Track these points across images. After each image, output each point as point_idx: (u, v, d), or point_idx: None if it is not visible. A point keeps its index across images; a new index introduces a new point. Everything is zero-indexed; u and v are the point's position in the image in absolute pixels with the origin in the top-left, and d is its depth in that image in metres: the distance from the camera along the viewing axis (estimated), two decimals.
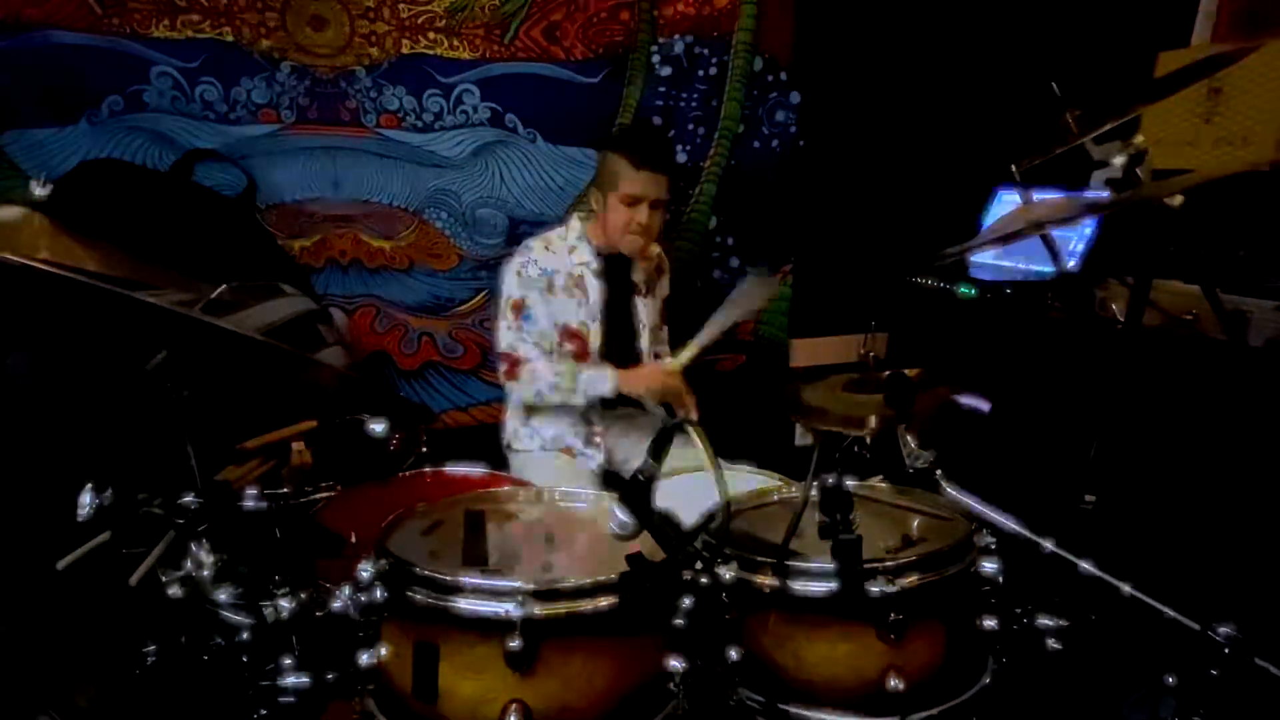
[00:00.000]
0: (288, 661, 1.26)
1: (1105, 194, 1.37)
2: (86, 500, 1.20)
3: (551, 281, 2.20)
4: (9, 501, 1.72)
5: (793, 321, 3.15)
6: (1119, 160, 1.39)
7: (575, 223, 2.28)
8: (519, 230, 2.73)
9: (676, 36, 2.77)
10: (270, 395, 1.62)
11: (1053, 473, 1.86)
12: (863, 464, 1.54)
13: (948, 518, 1.38)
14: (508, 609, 1.08)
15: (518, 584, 1.10)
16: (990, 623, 1.28)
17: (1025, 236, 1.43)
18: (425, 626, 1.14)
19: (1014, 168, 1.63)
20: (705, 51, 2.82)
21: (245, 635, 1.26)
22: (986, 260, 2.76)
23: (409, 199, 2.64)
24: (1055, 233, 1.62)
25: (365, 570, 1.18)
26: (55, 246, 1.53)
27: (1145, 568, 1.17)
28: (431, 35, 2.54)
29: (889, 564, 1.19)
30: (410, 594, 1.14)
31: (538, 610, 1.08)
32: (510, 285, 2.20)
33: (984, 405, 1.62)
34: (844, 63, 2.96)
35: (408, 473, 1.83)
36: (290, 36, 2.43)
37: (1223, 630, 1.04)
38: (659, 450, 1.12)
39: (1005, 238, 1.43)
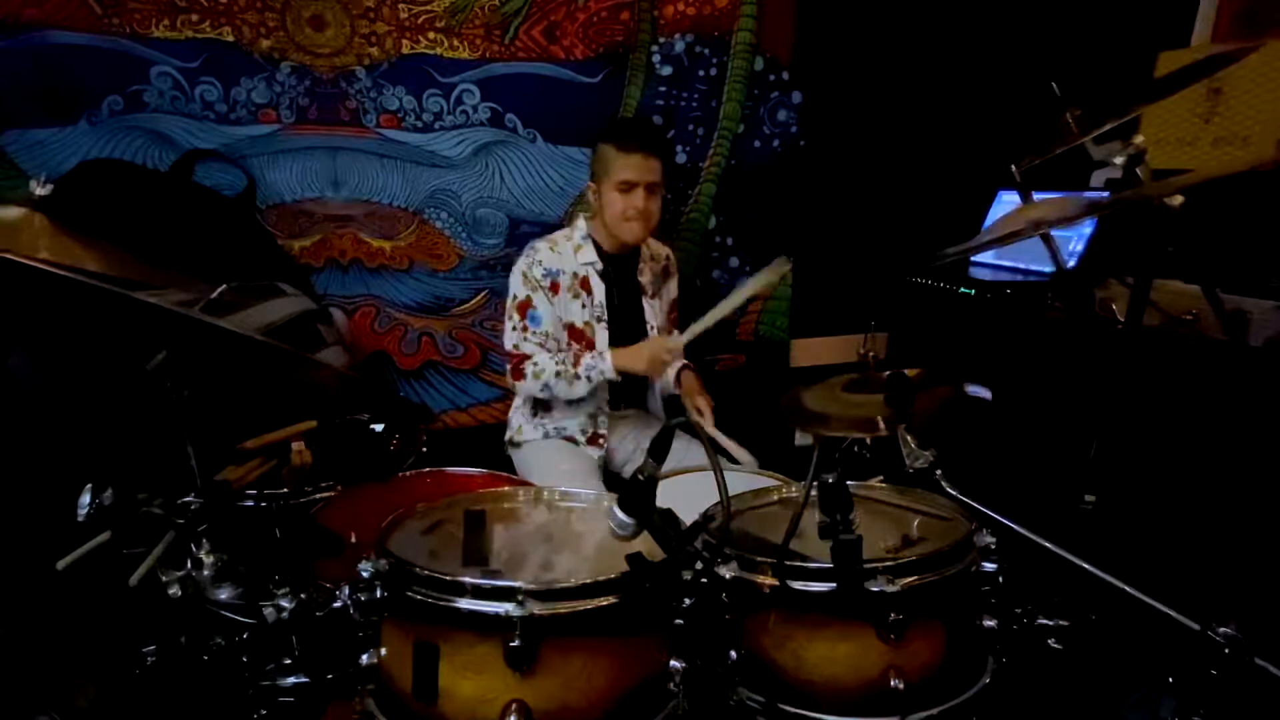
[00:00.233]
0: (288, 661, 1.26)
1: (1105, 194, 1.36)
2: (86, 500, 1.20)
3: (556, 282, 2.21)
4: (9, 501, 1.72)
5: (793, 321, 3.15)
6: (1119, 160, 1.39)
7: (581, 223, 2.29)
8: (519, 230, 2.73)
9: (677, 36, 2.77)
10: (270, 395, 1.62)
11: (1053, 472, 1.86)
12: (863, 464, 1.55)
13: (948, 518, 1.38)
14: (508, 609, 1.08)
15: (518, 584, 1.10)
16: (990, 623, 1.28)
17: (1025, 236, 1.43)
18: (425, 626, 1.14)
19: (1014, 168, 1.63)
20: (705, 51, 2.82)
21: (245, 635, 1.26)
22: (986, 260, 2.76)
23: (409, 199, 2.64)
24: (1055, 233, 1.62)
25: (365, 570, 1.18)
26: (55, 246, 1.52)
27: (1145, 568, 1.17)
28: (431, 35, 2.54)
29: (889, 564, 1.19)
30: (410, 594, 1.14)
31: (538, 610, 1.08)
32: (516, 286, 2.21)
33: (986, 393, 1.63)
34: (845, 63, 2.96)
35: (408, 473, 1.83)
36: (290, 36, 2.43)
37: (1223, 630, 1.04)
38: (659, 450, 1.12)
39: (1005, 238, 1.43)
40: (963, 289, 2.55)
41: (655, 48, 2.76)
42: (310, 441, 1.59)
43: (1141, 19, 2.82)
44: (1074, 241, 2.44)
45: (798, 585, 1.21)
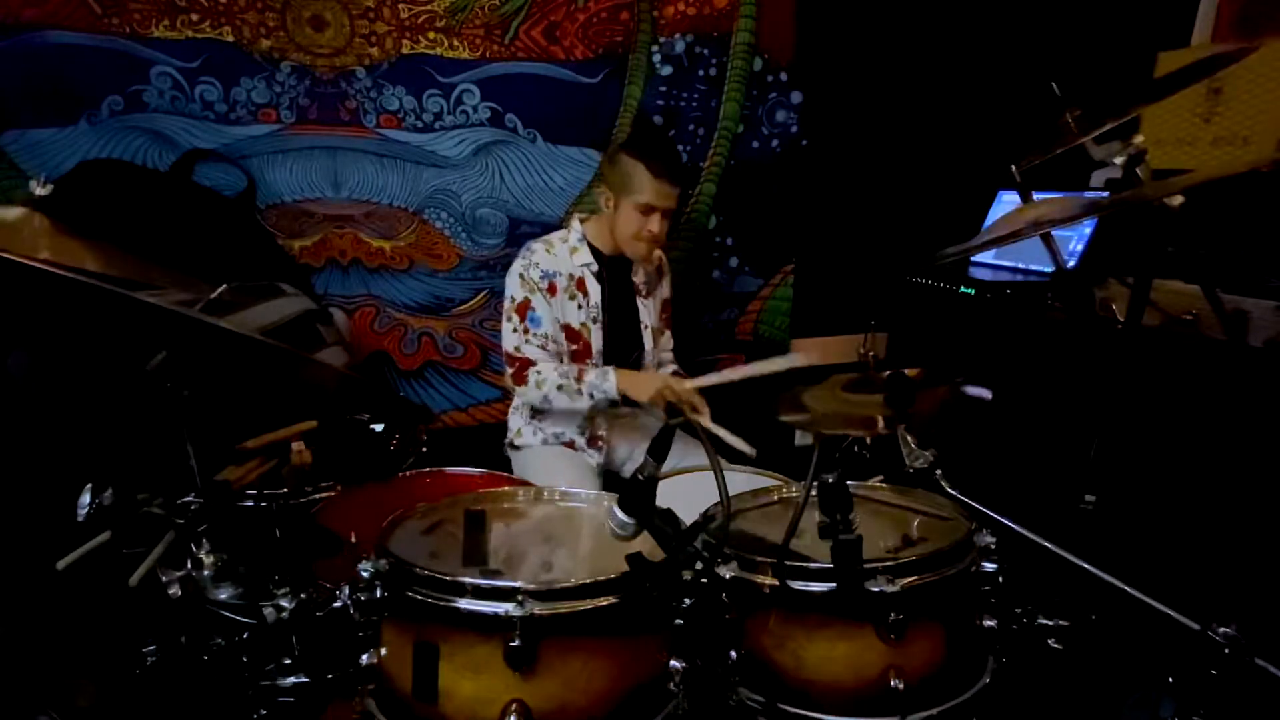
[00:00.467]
0: (288, 661, 1.26)
1: (1105, 194, 1.37)
2: (86, 500, 1.21)
3: (554, 283, 2.21)
4: (9, 501, 1.72)
5: (793, 321, 3.16)
6: (1119, 160, 1.39)
7: (576, 224, 2.29)
8: (519, 230, 2.73)
9: (676, 36, 2.77)
10: (270, 395, 1.62)
11: (1053, 472, 1.86)
12: (863, 464, 1.55)
13: (948, 518, 1.38)
14: (508, 609, 1.08)
15: (518, 584, 1.10)
16: (990, 623, 1.28)
17: (1025, 236, 1.43)
18: (425, 626, 1.14)
19: (1014, 168, 1.63)
20: (705, 51, 2.82)
21: (245, 635, 1.26)
22: (986, 260, 2.76)
23: (409, 199, 2.64)
24: (1055, 233, 1.62)
25: (365, 570, 1.18)
26: (55, 246, 1.52)
27: (1145, 568, 1.17)
28: (431, 35, 2.54)
29: (889, 564, 1.19)
30: (410, 594, 1.14)
31: (538, 610, 1.08)
32: (514, 288, 2.21)
33: (986, 393, 1.63)
34: (844, 63, 2.96)
35: (408, 473, 1.83)
36: (290, 36, 2.43)
37: (1223, 630, 1.04)
38: (659, 450, 1.12)
39: (1005, 238, 1.43)
40: (963, 289, 2.55)
41: (655, 48, 2.76)
42: (310, 441, 1.59)
43: (1141, 19, 2.82)
44: (1074, 241, 2.44)
45: (798, 585, 1.21)
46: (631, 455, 2.38)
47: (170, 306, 1.10)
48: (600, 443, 2.30)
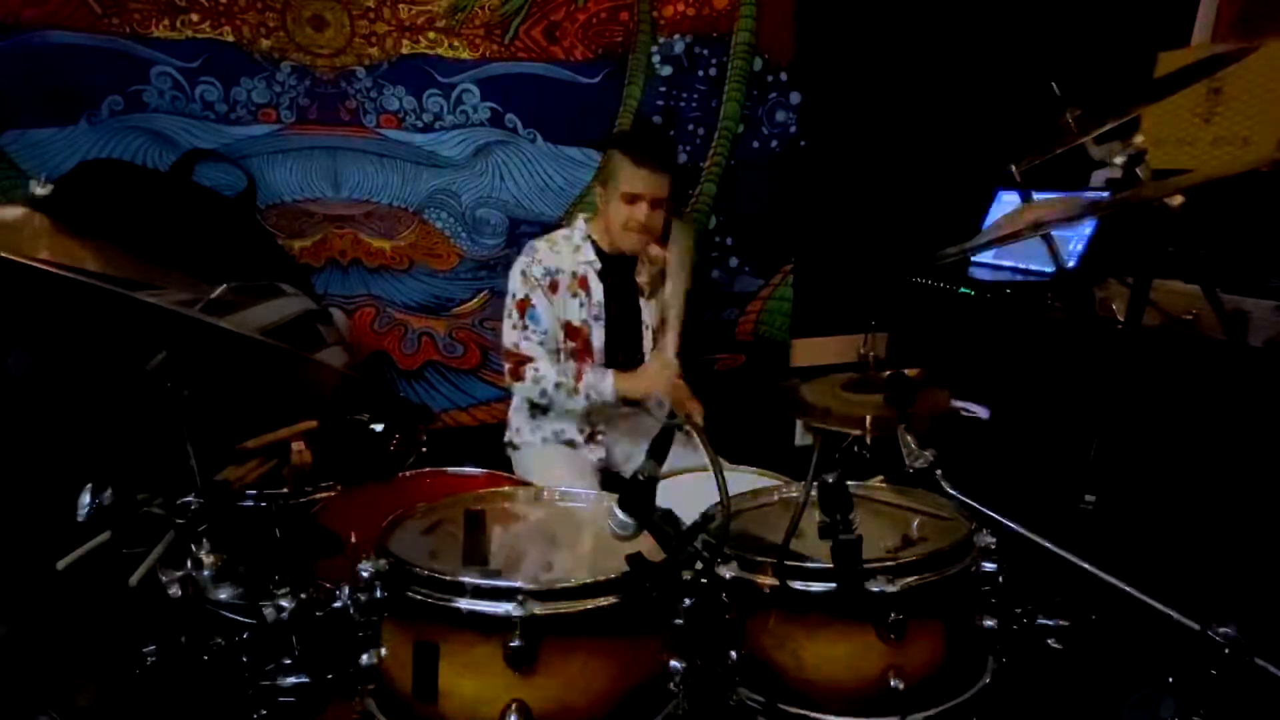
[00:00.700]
0: (288, 661, 1.26)
1: (1105, 194, 1.37)
2: (86, 500, 1.20)
3: (555, 281, 2.21)
4: (9, 501, 1.72)
5: (793, 321, 3.16)
6: (1119, 160, 1.39)
7: (580, 223, 2.30)
8: (519, 230, 2.73)
9: (676, 36, 2.77)
10: (270, 395, 1.62)
11: (1053, 473, 1.86)
12: (863, 464, 1.55)
13: (948, 518, 1.38)
14: (508, 609, 1.08)
15: (518, 584, 1.10)
16: (990, 623, 1.28)
17: (1025, 236, 1.43)
18: (425, 626, 1.14)
19: (1014, 168, 1.63)
20: (705, 52, 2.82)
21: (245, 635, 1.26)
22: (986, 260, 2.76)
23: (409, 199, 2.64)
24: (1055, 233, 1.62)
25: (365, 570, 1.18)
26: (55, 246, 1.52)
27: (1145, 568, 1.17)
28: (431, 35, 2.54)
29: (889, 564, 1.19)
30: (410, 594, 1.14)
31: (538, 610, 1.08)
32: (515, 285, 2.22)
33: (983, 412, 1.63)
34: (844, 63, 2.96)
35: (408, 473, 1.83)
36: (290, 36, 2.43)
37: (1223, 630, 1.04)
38: (659, 450, 1.12)
39: (1005, 238, 1.43)
40: (963, 289, 2.55)
41: (655, 48, 2.76)
42: (310, 441, 1.59)
43: (1141, 19, 2.82)
44: (1074, 241, 2.44)
45: (798, 585, 1.21)
46: (631, 455, 2.38)
47: (170, 306, 1.10)
48: (600, 438, 2.30)
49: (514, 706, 1.08)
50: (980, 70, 2.99)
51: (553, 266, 2.22)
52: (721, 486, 1.14)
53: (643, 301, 2.35)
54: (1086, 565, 1.12)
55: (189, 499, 1.24)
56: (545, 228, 2.68)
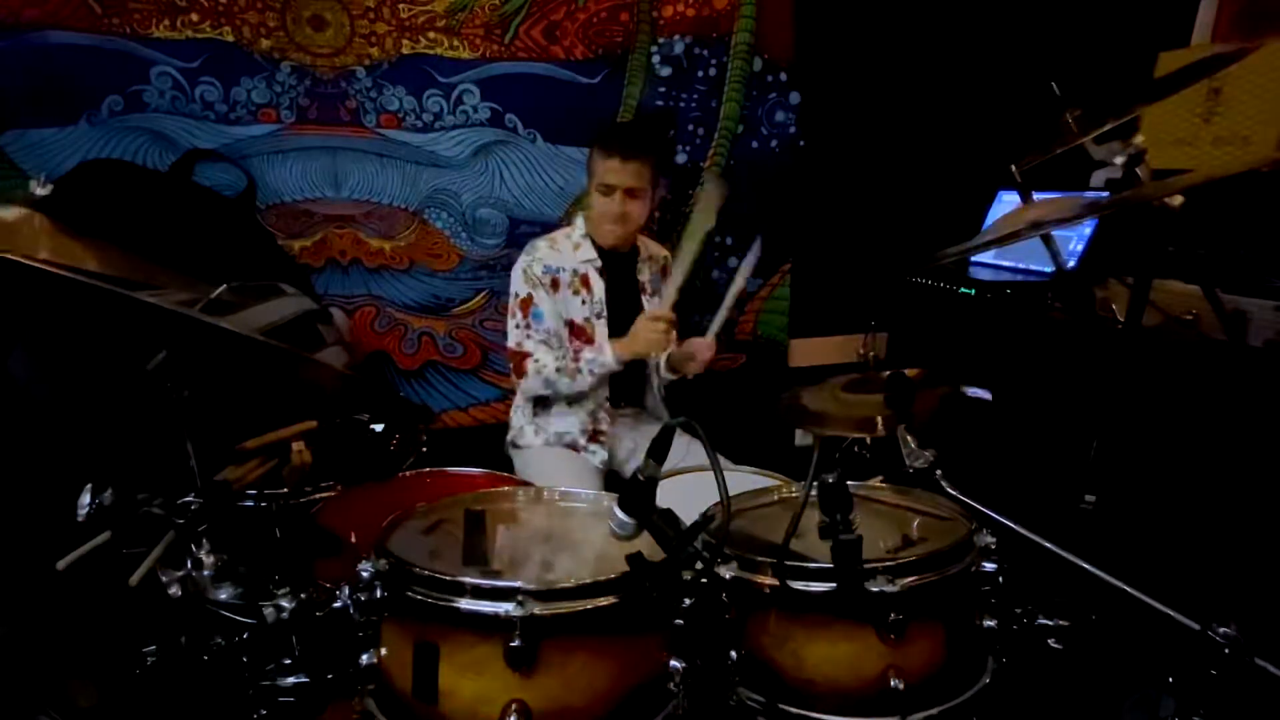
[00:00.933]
0: (288, 661, 1.26)
1: (1105, 194, 1.37)
2: (86, 500, 1.20)
3: (556, 279, 2.22)
4: (9, 501, 1.72)
5: (793, 321, 3.15)
6: (1119, 160, 1.39)
7: (580, 221, 2.31)
8: (519, 230, 2.73)
9: (676, 37, 2.77)
10: (270, 395, 1.62)
11: (1053, 472, 1.86)
12: (863, 464, 1.55)
13: (948, 518, 1.38)
14: (508, 609, 1.08)
15: (518, 584, 1.10)
16: (990, 623, 1.28)
17: (1025, 236, 1.43)
18: (425, 626, 1.14)
19: (1014, 168, 1.63)
20: (705, 52, 2.82)
21: (245, 635, 1.26)
22: (986, 260, 2.76)
23: (409, 199, 2.64)
24: (1055, 233, 1.62)
25: (365, 570, 1.18)
26: (55, 246, 1.52)
27: (1145, 568, 1.17)
28: (431, 35, 2.54)
29: (889, 564, 1.19)
30: (410, 594, 1.14)
31: (538, 610, 1.08)
32: (518, 284, 2.23)
33: (986, 394, 1.63)
34: (844, 63, 2.96)
35: (408, 473, 1.83)
36: (290, 36, 2.43)
37: (1223, 630, 1.04)
38: (659, 450, 1.12)
39: (1005, 238, 1.43)
40: (963, 289, 2.55)
41: (655, 48, 2.76)
42: (310, 441, 1.59)
43: (1141, 19, 2.82)
44: (1074, 241, 2.44)
45: (798, 585, 1.21)
46: (633, 454, 2.38)
47: (170, 306, 1.10)
48: (603, 438, 2.30)
49: (514, 707, 1.08)
50: (980, 70, 2.99)
51: (553, 265, 2.23)
52: (721, 486, 1.14)
53: (645, 298, 2.35)
54: (1086, 565, 1.12)
55: (189, 499, 1.24)
56: (545, 228, 2.68)
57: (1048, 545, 1.15)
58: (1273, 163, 2.14)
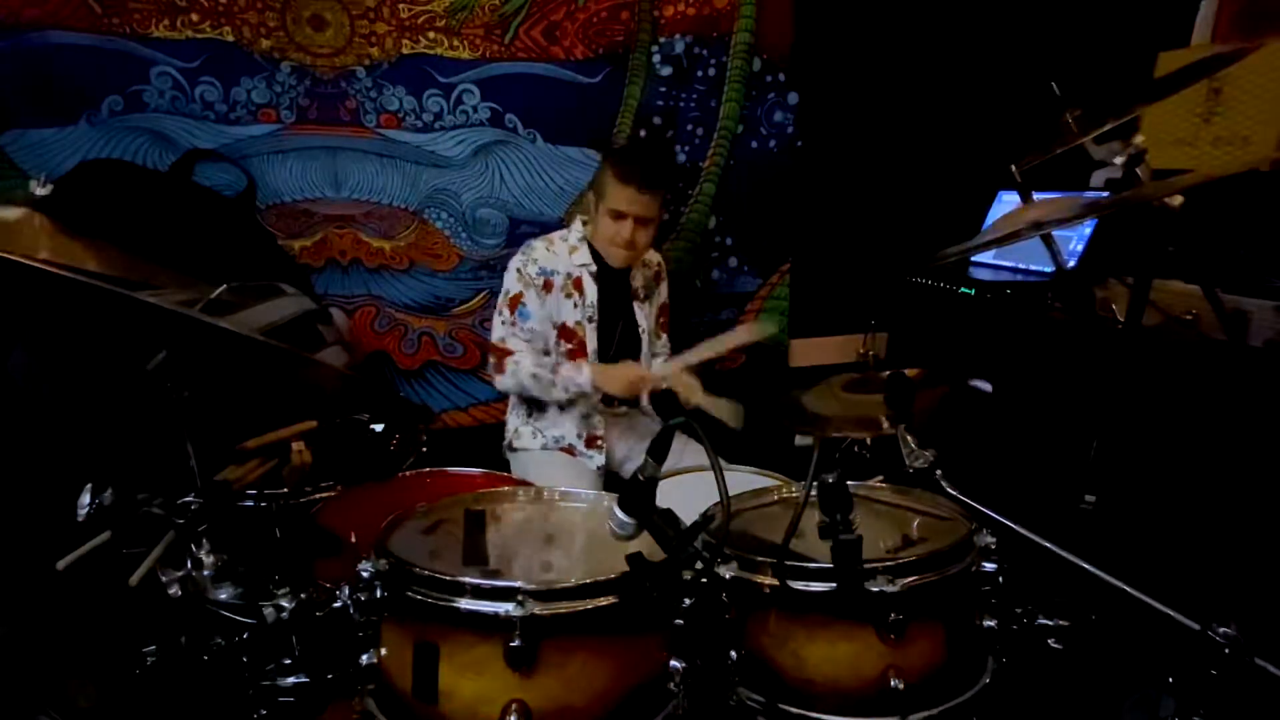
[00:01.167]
0: (288, 661, 1.26)
1: (1105, 194, 1.36)
2: (86, 500, 1.20)
3: (550, 281, 2.22)
4: (9, 501, 1.72)
5: (792, 321, 3.15)
6: (1119, 160, 1.39)
7: (578, 225, 2.31)
8: (519, 230, 2.73)
9: (676, 36, 2.77)
10: (270, 395, 1.62)
11: (1053, 472, 1.86)
12: (863, 464, 1.55)
13: (948, 518, 1.38)
14: (508, 609, 1.08)
15: (518, 584, 1.10)
16: (990, 623, 1.28)
17: (1025, 236, 1.43)
18: (425, 626, 1.14)
19: (1014, 168, 1.63)
20: (705, 52, 2.82)
21: (245, 635, 1.26)
22: (986, 260, 2.76)
23: (409, 199, 2.64)
24: (1055, 233, 1.62)
25: (365, 570, 1.18)
26: (55, 246, 1.52)
27: (1145, 568, 1.17)
28: (431, 35, 2.54)
29: (889, 564, 1.19)
30: (410, 594, 1.14)
31: (538, 610, 1.08)
32: (510, 281, 2.24)
33: (987, 386, 1.63)
34: (843, 63, 2.96)
35: (408, 473, 1.83)
36: (290, 36, 2.43)
37: (1223, 630, 1.04)
38: (659, 450, 1.12)
39: (1005, 238, 1.43)
40: (963, 289, 2.55)
41: (655, 48, 2.76)
42: (310, 441, 1.59)
43: (1141, 19, 2.82)
44: (1074, 241, 2.44)
45: (798, 585, 1.21)
46: (631, 455, 2.38)
47: (170, 306, 1.10)
48: (600, 443, 2.30)
49: (514, 707, 1.08)
50: (980, 70, 2.99)
51: (548, 267, 2.23)
52: (721, 486, 1.14)
53: (637, 305, 2.35)
54: (1086, 565, 1.12)
55: (189, 499, 1.24)
56: (545, 228, 2.68)
57: (1048, 545, 1.15)
58: (1273, 163, 2.14)
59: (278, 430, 1.58)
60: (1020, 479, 2.01)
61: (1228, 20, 2.70)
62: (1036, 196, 1.66)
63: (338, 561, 1.35)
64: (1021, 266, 2.63)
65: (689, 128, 2.87)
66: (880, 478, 1.54)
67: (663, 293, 2.46)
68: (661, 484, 1.14)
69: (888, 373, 1.32)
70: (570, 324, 2.25)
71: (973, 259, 2.75)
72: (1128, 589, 1.09)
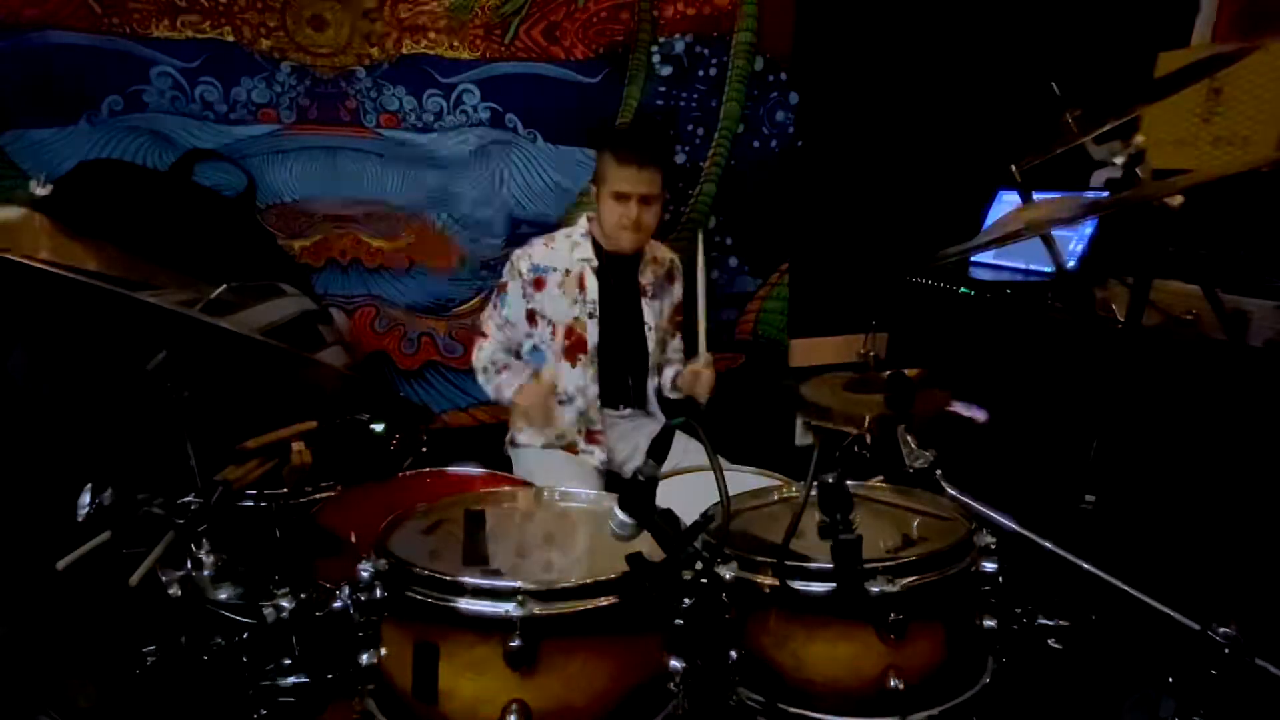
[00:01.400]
0: (288, 661, 1.26)
1: (1105, 194, 1.37)
2: (86, 500, 1.20)
3: (541, 279, 2.24)
4: (9, 501, 1.72)
5: (792, 321, 3.15)
6: (1119, 160, 1.39)
7: (583, 220, 2.33)
8: (519, 230, 2.73)
9: (676, 36, 2.77)
10: (270, 395, 1.62)
11: (1053, 472, 1.86)
12: (863, 464, 1.54)
13: (948, 518, 1.38)
14: (508, 609, 1.08)
15: (518, 584, 1.10)
16: (990, 623, 1.28)
17: (1025, 236, 1.43)
18: (425, 626, 1.14)
19: (1014, 168, 1.63)
20: (705, 51, 2.82)
21: (245, 635, 1.26)
22: (986, 260, 2.76)
23: (409, 199, 2.64)
24: (1055, 233, 1.62)
25: (365, 570, 1.18)
26: (55, 246, 1.52)
27: (1145, 568, 1.17)
28: (432, 35, 2.54)
29: (889, 564, 1.19)
30: (410, 594, 1.14)
31: (538, 610, 1.08)
32: (505, 271, 2.32)
33: (980, 414, 1.63)
34: (843, 63, 2.96)
35: (408, 473, 1.83)
36: (290, 36, 2.43)
37: (1223, 630, 1.04)
38: (659, 450, 1.12)
39: (1005, 238, 1.43)
40: (963, 289, 2.55)
41: (655, 48, 2.76)
42: (310, 441, 1.58)
43: (1141, 19, 2.82)
44: (1074, 241, 2.44)
45: (798, 585, 1.21)
46: (632, 455, 2.38)
47: (170, 306, 1.10)
48: (600, 438, 2.30)
49: (514, 707, 1.08)
50: (980, 70, 2.99)
51: (543, 264, 2.25)
52: (721, 486, 1.14)
53: (645, 302, 2.35)
54: (1086, 565, 1.12)
55: (189, 499, 1.24)
56: (545, 228, 2.67)
57: (1048, 545, 1.15)
58: (1273, 163, 2.14)
59: (278, 430, 1.58)
60: (1020, 479, 2.01)
61: (1228, 20, 2.71)
62: (1036, 196, 1.66)
63: (338, 561, 1.34)
64: (1021, 266, 2.63)
65: (689, 128, 2.87)
66: (880, 478, 1.54)
67: (676, 292, 2.45)
68: (661, 484, 1.14)
69: (888, 373, 1.32)
70: (570, 319, 2.26)
71: (973, 259, 2.75)
72: (1128, 589, 1.09)
